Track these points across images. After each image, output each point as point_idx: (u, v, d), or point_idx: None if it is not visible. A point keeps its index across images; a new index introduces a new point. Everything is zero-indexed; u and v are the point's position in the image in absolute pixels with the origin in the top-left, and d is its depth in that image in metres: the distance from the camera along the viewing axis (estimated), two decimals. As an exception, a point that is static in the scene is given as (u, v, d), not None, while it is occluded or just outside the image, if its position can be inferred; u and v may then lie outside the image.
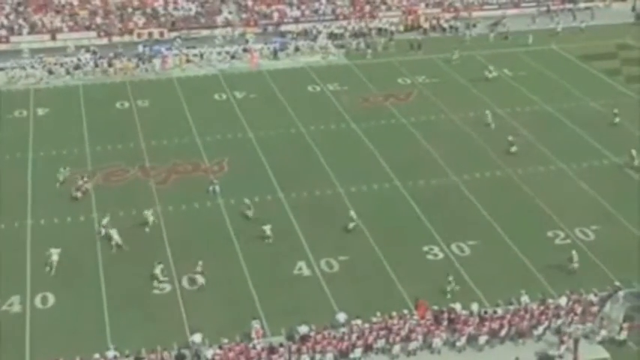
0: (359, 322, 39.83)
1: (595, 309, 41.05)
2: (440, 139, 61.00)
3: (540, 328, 40.25)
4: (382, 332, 39.29)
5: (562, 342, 39.14)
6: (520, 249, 47.55)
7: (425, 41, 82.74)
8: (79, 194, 52.24)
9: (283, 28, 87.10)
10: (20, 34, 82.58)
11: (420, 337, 39.46)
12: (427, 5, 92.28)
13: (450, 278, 43.08)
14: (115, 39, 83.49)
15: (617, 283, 42.99)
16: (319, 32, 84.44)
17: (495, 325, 39.85)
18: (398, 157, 57.91)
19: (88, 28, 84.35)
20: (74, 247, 47.37)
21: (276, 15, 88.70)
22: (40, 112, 66.21)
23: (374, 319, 39.88)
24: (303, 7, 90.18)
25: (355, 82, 72.75)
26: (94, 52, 77.73)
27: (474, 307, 41.17)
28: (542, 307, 40.87)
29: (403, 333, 39.39)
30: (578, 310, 40.75)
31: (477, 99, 68.44)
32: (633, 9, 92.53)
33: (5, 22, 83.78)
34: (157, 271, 44.56)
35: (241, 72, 75.61)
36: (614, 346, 39.84)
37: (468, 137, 61.29)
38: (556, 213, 51.08)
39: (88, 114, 65.49)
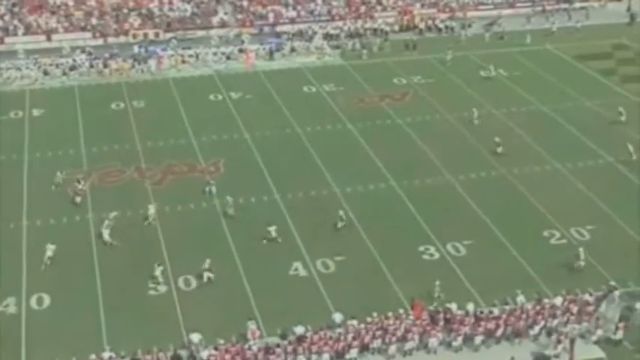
0: (355, 322, 39.85)
1: (591, 309, 41.10)
2: (435, 139, 61.05)
3: (536, 328, 40.27)
4: (378, 332, 39.32)
5: (558, 342, 39.18)
6: (516, 249, 47.60)
7: (420, 41, 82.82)
8: (78, 199, 52.02)
9: (279, 28, 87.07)
10: (15, 34, 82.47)
11: (416, 337, 39.47)
12: (423, 5, 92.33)
13: (437, 283, 42.98)
14: (111, 40, 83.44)
15: (613, 283, 43.09)
16: (315, 33, 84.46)
17: (491, 325, 39.88)
18: (393, 158, 57.94)
19: (83, 29, 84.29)
20: (70, 247, 47.30)
21: (271, 16, 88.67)
22: (36, 113, 66.16)
23: (368, 320, 39.88)
24: (298, 7, 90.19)
25: (351, 83, 72.79)
26: (90, 53, 77.69)
27: (470, 307, 41.20)
28: (538, 307, 40.93)
29: (399, 333, 39.42)
30: (574, 309, 40.80)
31: (473, 99, 68.47)
32: (628, 9, 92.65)
33: (0, 22, 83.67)
34: (157, 272, 44.54)
35: (237, 72, 75.62)
36: (610, 345, 39.87)
37: (463, 137, 61.34)
38: (552, 213, 51.14)
39: (83, 115, 65.42)
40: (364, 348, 39.17)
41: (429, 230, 49.49)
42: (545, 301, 41.52)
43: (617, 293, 42.43)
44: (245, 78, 74.27)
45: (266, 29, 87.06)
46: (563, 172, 56.62)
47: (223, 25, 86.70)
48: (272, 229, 48.07)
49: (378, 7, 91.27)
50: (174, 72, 75.35)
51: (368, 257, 46.94)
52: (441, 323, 40.12)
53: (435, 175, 55.98)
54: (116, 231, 48.37)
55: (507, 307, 41.30)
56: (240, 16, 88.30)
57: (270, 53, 78.97)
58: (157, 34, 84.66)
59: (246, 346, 38.52)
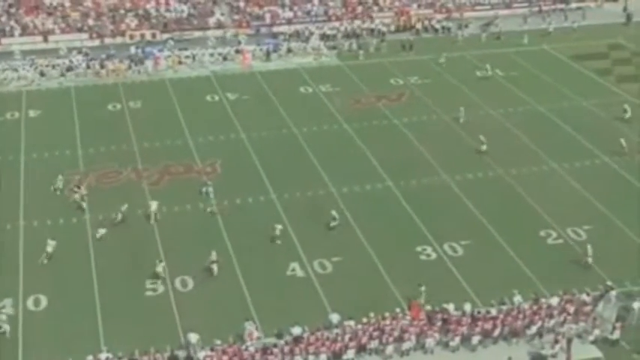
0: (352, 323, 39.87)
1: (588, 309, 41.15)
2: (432, 139, 61.07)
3: (533, 328, 40.32)
4: (375, 333, 39.34)
5: (556, 341, 39.23)
6: (512, 249, 47.65)
7: (417, 42, 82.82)
8: (84, 204, 51.91)
9: (275, 29, 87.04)
10: (12, 35, 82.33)
11: (413, 338, 39.52)
12: (419, 6, 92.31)
13: (422, 289, 42.83)
14: (107, 40, 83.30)
15: (609, 283, 43.15)
16: (311, 33, 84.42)
17: (488, 326, 39.92)
18: (390, 158, 57.96)
19: (80, 30, 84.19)
20: (67, 248, 47.29)
21: (268, 16, 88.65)
22: (32, 113, 66.07)
23: (364, 320, 39.92)
24: (295, 8, 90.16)
25: (347, 83, 72.78)
26: (86, 54, 77.60)
27: (467, 307, 41.22)
28: (534, 307, 40.98)
29: (396, 333, 39.44)
30: (571, 309, 40.85)
31: (469, 99, 68.51)
32: (624, 9, 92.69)
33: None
34: (159, 269, 44.72)
35: (234, 73, 75.57)
36: (607, 345, 39.95)
37: (460, 138, 61.33)
38: (548, 213, 51.21)
39: (80, 116, 65.36)
40: (361, 348, 39.21)
41: (426, 230, 49.52)
42: (542, 301, 41.57)
43: (613, 293, 42.50)
44: (242, 79, 74.24)
45: (263, 30, 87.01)
46: (559, 172, 56.68)
47: (220, 25, 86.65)
48: (278, 227, 48.14)
49: (375, 8, 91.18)
50: (170, 73, 75.31)
51: (365, 258, 46.97)
52: (439, 324, 40.15)
53: (431, 176, 56.01)
54: (114, 232, 48.40)
55: (504, 307, 41.31)
56: (236, 17, 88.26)
57: (267, 54, 78.95)
58: (153, 35, 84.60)
59: (244, 347, 38.55)
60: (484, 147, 59.14)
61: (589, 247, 46.31)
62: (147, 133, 62.12)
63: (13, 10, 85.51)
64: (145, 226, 49.75)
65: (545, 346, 39.79)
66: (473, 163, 57.47)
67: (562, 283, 43.45)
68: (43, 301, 43.08)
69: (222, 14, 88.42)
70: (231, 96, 69.94)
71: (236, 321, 40.54)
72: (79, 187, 52.92)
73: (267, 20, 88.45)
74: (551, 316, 40.66)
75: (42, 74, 73.63)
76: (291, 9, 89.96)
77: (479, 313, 40.75)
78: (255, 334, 39.61)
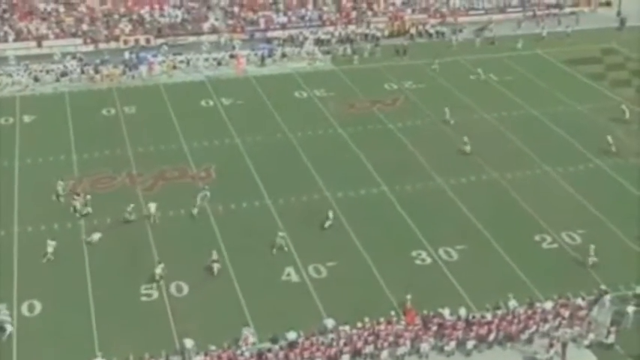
0: (347, 327, 39.85)
1: (583, 313, 41.19)
2: (426, 144, 61.12)
3: (528, 333, 40.32)
4: (370, 338, 39.32)
5: (550, 346, 39.25)
6: (507, 253, 47.68)
7: (411, 47, 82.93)
8: (89, 209, 51.83)
9: (270, 34, 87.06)
10: (6, 41, 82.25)
11: (408, 343, 39.50)
12: (413, 11, 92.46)
13: (408, 297, 42.78)
14: (102, 46, 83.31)
15: (604, 287, 43.20)
16: (306, 38, 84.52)
17: (483, 330, 39.93)
18: (385, 162, 57.97)
19: (74, 35, 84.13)
20: (61, 254, 47.19)
21: (262, 21, 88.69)
22: (27, 119, 65.99)
23: (359, 325, 39.89)
24: (289, 13, 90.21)
25: (342, 88, 72.83)
26: (80, 59, 77.58)
27: (462, 312, 41.23)
28: (529, 312, 41.01)
29: (391, 338, 39.43)
30: (566, 314, 40.89)
31: (464, 104, 68.64)
32: (618, 14, 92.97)
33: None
34: (159, 270, 44.77)
35: (228, 78, 75.57)
36: (602, 349, 39.98)
37: (454, 142, 61.34)
38: (543, 217, 51.26)
39: (74, 121, 65.27)
40: (356, 353, 39.17)
41: (421, 235, 49.53)
42: (537, 305, 41.61)
43: (608, 297, 42.54)
44: (236, 83, 74.22)
45: (257, 35, 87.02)
46: (553, 176, 56.77)
47: (214, 31, 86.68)
48: (281, 234, 48.17)
49: (369, 13, 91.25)
50: (165, 78, 75.29)
51: (360, 262, 46.95)
52: (435, 328, 40.14)
53: (426, 180, 56.06)
54: (108, 238, 48.39)
55: (499, 312, 41.32)
56: (230, 22, 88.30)
57: (262, 59, 78.96)
58: (147, 40, 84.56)
59: (239, 352, 38.51)
60: (468, 148, 59.58)
61: (592, 247, 46.56)
62: (141, 138, 62.06)
63: (7, 16, 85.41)
64: (139, 231, 49.67)
65: (540, 350, 39.79)
66: (467, 168, 57.52)
67: (557, 287, 43.49)
68: (38, 306, 42.95)
69: (217, 19, 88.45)
70: (225, 101, 69.93)
71: (231, 326, 40.52)
72: (78, 194, 52.76)
73: (262, 25, 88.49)
74: (545, 321, 40.70)
75: (36, 79, 73.55)
76: (285, 14, 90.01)
77: (474, 317, 40.76)
78: (251, 339, 39.56)
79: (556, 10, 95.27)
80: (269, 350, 38.56)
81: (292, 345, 38.92)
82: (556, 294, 42.52)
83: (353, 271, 46.03)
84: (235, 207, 52.52)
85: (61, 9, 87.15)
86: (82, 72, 74.98)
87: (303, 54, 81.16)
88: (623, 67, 78.29)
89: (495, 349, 40.18)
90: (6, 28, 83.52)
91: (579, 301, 41.88)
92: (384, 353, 39.19)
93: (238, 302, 43.39)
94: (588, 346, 40.21)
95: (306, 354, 38.33)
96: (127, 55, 78.61)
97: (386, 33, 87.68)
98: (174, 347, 39.73)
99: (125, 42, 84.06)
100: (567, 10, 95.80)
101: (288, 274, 45.89)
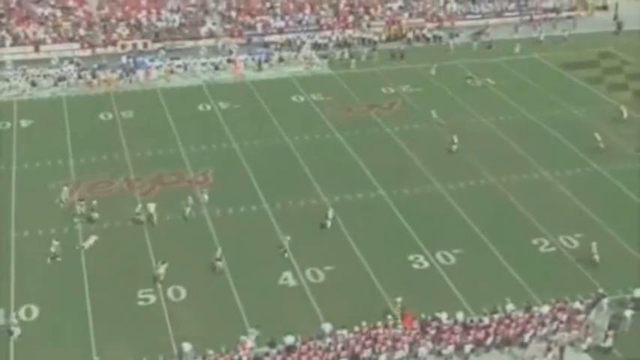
0: (344, 332, 39.83)
1: (581, 317, 41.19)
2: (424, 148, 61.15)
3: (526, 337, 40.33)
4: (368, 342, 39.30)
5: (548, 349, 39.26)
6: (505, 257, 47.70)
7: (408, 51, 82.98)
8: (96, 214, 51.75)
9: (267, 38, 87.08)
10: (3, 45, 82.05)
11: (406, 347, 39.50)
12: (410, 15, 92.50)
13: (398, 300, 42.84)
14: (99, 50, 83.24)
15: (602, 291, 43.22)
16: (303, 42, 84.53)
17: (481, 334, 39.92)
18: (382, 167, 58.00)
19: (71, 40, 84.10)
20: (58, 258, 47.17)
21: (260, 26, 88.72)
22: (24, 123, 65.92)
23: (356, 329, 39.90)
24: (286, 17, 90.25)
25: (339, 92, 72.85)
26: (78, 64, 77.54)
27: (460, 316, 41.22)
28: (527, 315, 41.01)
29: (389, 342, 39.42)
30: (563, 317, 40.90)
31: (461, 108, 68.71)
32: (615, 18, 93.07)
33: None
34: (162, 270, 44.92)
35: (225, 82, 75.57)
36: (600, 353, 39.99)
37: (451, 146, 61.31)
38: (540, 221, 51.30)
39: (71, 126, 65.25)
40: (354, 358, 39.15)
41: (418, 239, 49.55)
42: (535, 309, 41.63)
43: (605, 301, 42.57)
44: (233, 88, 74.23)
45: (254, 39, 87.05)
46: (551, 180, 56.82)
47: (211, 35, 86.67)
48: (288, 238, 48.17)
49: (366, 17, 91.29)
50: (162, 82, 75.28)
51: (357, 266, 46.95)
52: (433, 332, 40.12)
53: (423, 184, 56.09)
54: (105, 243, 48.40)
55: (497, 316, 41.31)
56: (228, 27, 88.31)
57: (259, 63, 78.98)
58: (145, 45, 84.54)
59: (236, 357, 38.49)
60: (455, 147, 59.99)
61: (594, 244, 46.81)
62: (139, 142, 62.03)
63: (4, 20, 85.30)
64: (136, 235, 49.65)
65: (537, 354, 39.79)
66: (465, 172, 57.54)
67: (554, 291, 43.49)
68: (35, 311, 42.90)
69: (214, 24, 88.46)
70: (223, 105, 69.92)
71: (229, 330, 40.52)
72: (82, 200, 52.64)
73: (259, 30, 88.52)
74: (543, 324, 40.71)
75: (33, 84, 73.51)
76: (282, 18, 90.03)
77: (471, 321, 40.76)
78: (249, 343, 39.53)
79: (553, 15, 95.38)
80: (266, 354, 38.53)
81: (290, 349, 38.91)
82: (554, 298, 42.51)
83: (350, 275, 46.03)
84: (233, 211, 52.51)
85: (59, 13, 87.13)
86: (80, 77, 74.92)
87: (300, 58, 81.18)
88: (620, 70, 78.37)
89: (493, 353, 40.18)
90: (3, 32, 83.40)
91: (577, 305, 41.90)
92: (382, 357, 39.16)
93: (236, 306, 43.36)
94: (586, 350, 40.21)
95: (303, 358, 38.31)
96: (124, 59, 78.57)
97: (383, 37, 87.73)
98: (171, 352, 39.71)
99: (122, 46, 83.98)
100: (564, 14, 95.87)
101: (286, 279, 45.87)
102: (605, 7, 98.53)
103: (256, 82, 75.28)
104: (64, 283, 45.32)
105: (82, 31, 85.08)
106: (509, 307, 41.83)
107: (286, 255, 47.71)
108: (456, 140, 60.64)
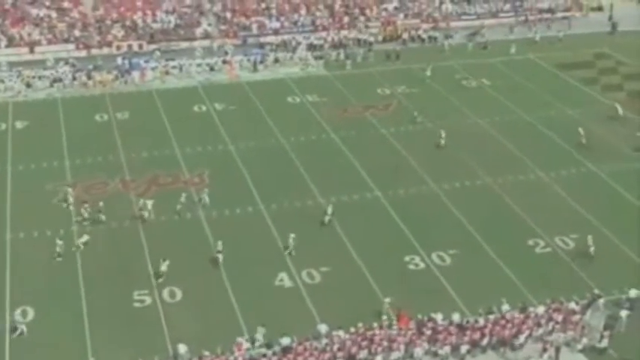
0: (341, 333, 39.83)
1: (577, 317, 41.22)
2: (420, 148, 61.18)
3: (522, 337, 40.35)
4: (364, 343, 39.31)
5: (544, 350, 39.28)
6: (500, 258, 47.73)
7: (404, 52, 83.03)
8: (102, 217, 51.72)
9: (263, 39, 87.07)
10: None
11: (402, 347, 39.50)
12: (406, 16, 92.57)
13: (387, 300, 42.92)
14: (94, 51, 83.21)
15: (597, 291, 43.26)
16: (298, 43, 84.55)
17: (476, 335, 39.94)
18: (378, 167, 58.02)
19: (66, 41, 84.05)
20: (53, 260, 47.13)
21: (255, 27, 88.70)
22: (19, 125, 65.85)
23: (352, 330, 39.90)
24: (282, 18, 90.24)
25: (335, 93, 72.88)
26: (73, 65, 77.50)
27: (456, 316, 41.23)
28: (522, 316, 41.03)
29: (385, 343, 39.42)
30: (559, 318, 40.93)
31: (456, 109, 68.77)
32: (610, 18, 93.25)
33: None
34: (164, 267, 45.05)
35: (221, 84, 75.56)
36: (595, 354, 40.02)
37: (447, 147, 61.41)
38: (536, 222, 51.34)
39: (67, 127, 65.18)
40: (350, 358, 39.14)
41: (414, 240, 49.56)
42: (530, 309, 41.66)
43: (601, 301, 42.61)
44: (229, 89, 74.22)
45: (250, 40, 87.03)
46: (546, 180, 56.87)
47: (207, 36, 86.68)
48: (293, 236, 48.18)
49: (362, 18, 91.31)
50: (158, 83, 75.26)
51: (353, 267, 46.95)
52: (429, 333, 40.12)
53: (419, 185, 56.11)
54: (100, 244, 48.38)
55: (492, 317, 41.32)
56: (223, 28, 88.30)
57: (254, 64, 78.97)
58: (140, 46, 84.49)
59: (232, 359, 38.47)
60: (442, 142, 60.36)
61: (589, 237, 47.24)
62: (134, 144, 61.98)
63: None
64: (132, 237, 49.60)
65: (533, 354, 39.81)
66: (460, 172, 57.57)
67: (550, 291, 43.54)
68: (30, 313, 42.82)
69: (210, 25, 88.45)
70: (218, 106, 69.91)
71: (225, 331, 40.48)
72: (86, 202, 52.47)
73: (255, 30, 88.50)
74: (539, 325, 40.74)
75: (28, 85, 73.44)
76: (278, 19, 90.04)
77: (467, 322, 40.78)
78: (245, 345, 39.51)
79: (548, 15, 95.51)
80: (264, 356, 38.53)
81: (286, 350, 38.89)
82: (549, 298, 42.56)
83: (346, 276, 46.01)
84: (229, 212, 52.49)
85: (54, 15, 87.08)
86: (75, 78, 74.87)
87: (295, 59, 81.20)
88: (615, 71, 78.52)
89: (489, 354, 40.18)
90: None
91: (572, 306, 41.95)
92: (378, 358, 39.14)
93: (232, 308, 43.33)
94: (581, 351, 40.25)
95: (299, 359, 38.29)
96: (119, 60, 78.55)
97: (380, 38, 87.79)
98: (167, 353, 39.67)
99: (118, 48, 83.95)
100: (559, 14, 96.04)
101: (282, 280, 45.86)
102: (599, 8, 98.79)
103: (252, 83, 75.27)
104: (59, 285, 45.26)
105: (77, 33, 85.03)
106: (505, 307, 41.85)
107: (293, 253, 47.75)
108: (443, 135, 61.07)
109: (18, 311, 42.37)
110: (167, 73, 76.84)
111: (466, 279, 45.65)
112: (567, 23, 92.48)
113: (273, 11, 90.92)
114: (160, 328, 41.79)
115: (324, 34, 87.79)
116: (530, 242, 49.49)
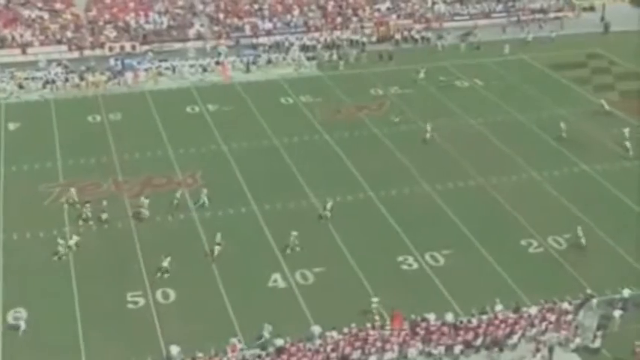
0: (334, 333, 39.82)
1: (570, 317, 41.29)
2: (413, 149, 61.23)
3: (515, 337, 40.39)
4: (357, 343, 39.31)
5: (537, 350, 39.33)
6: (494, 258, 47.79)
7: (396, 52, 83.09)
8: (105, 216, 51.55)
9: (255, 40, 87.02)
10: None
11: (396, 348, 39.52)
12: (398, 16, 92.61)
13: (375, 299, 42.83)
14: (87, 53, 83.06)
15: (590, 291, 43.33)
16: (291, 44, 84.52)
17: (469, 336, 39.97)
18: (371, 168, 58.03)
19: (59, 42, 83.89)
20: (47, 261, 47.04)
21: (248, 28, 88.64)
22: (12, 126, 65.69)
23: (345, 330, 39.90)
24: (274, 19, 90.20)
25: (328, 94, 72.89)
26: (66, 66, 77.35)
27: (449, 317, 41.26)
28: (516, 316, 41.07)
29: (379, 344, 39.43)
30: (552, 318, 40.98)
31: (449, 109, 68.82)
32: (602, 19, 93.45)
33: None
34: (165, 264, 45.28)
35: (214, 85, 75.51)
36: (588, 353, 40.08)
37: (440, 147, 61.49)
38: (529, 222, 51.40)
39: (59, 128, 65.03)
40: (343, 359, 39.13)
41: (408, 240, 49.58)
42: (524, 309, 41.71)
43: (594, 301, 42.69)
44: (222, 90, 74.17)
45: (242, 41, 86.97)
46: (539, 180, 56.96)
47: (200, 37, 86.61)
48: (294, 234, 48.20)
49: (354, 19, 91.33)
50: (151, 84, 75.15)
51: (346, 268, 46.95)
52: (423, 333, 40.15)
53: (412, 185, 56.13)
54: (94, 245, 48.30)
55: (485, 317, 41.36)
56: (216, 29, 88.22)
57: (247, 65, 78.94)
58: (133, 47, 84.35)
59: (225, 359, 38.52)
60: (428, 135, 61.24)
61: (579, 228, 47.82)
62: (127, 145, 61.89)
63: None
64: (126, 239, 49.53)
65: (526, 354, 39.85)
66: (453, 173, 57.62)
67: (543, 291, 43.56)
68: (24, 314, 42.57)
69: (202, 26, 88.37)
70: (211, 107, 69.85)
71: (218, 333, 40.45)
72: (88, 202, 52.36)
73: (247, 32, 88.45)
74: (532, 325, 40.78)
75: (21, 87, 73.29)
76: (270, 20, 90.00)
77: (461, 322, 40.81)
78: (238, 346, 39.50)
79: (541, 15, 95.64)
80: (258, 357, 38.50)
81: (279, 351, 38.87)
82: (542, 298, 42.60)
83: (340, 277, 46.02)
84: (222, 213, 52.45)
85: (46, 16, 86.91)
86: (67, 79, 74.73)
87: (288, 60, 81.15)
88: (607, 71, 78.67)
89: (482, 354, 40.21)
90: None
91: (565, 306, 41.99)
92: (372, 358, 39.16)
93: (225, 309, 43.30)
94: (575, 351, 40.30)
95: (293, 360, 38.36)
96: (112, 62, 78.45)
97: (373, 39, 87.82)
98: (161, 354, 39.62)
99: (110, 49, 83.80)
100: (552, 15, 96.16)
101: (275, 281, 45.84)
102: (591, 8, 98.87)
103: (245, 84, 75.24)
104: (52, 286, 45.17)
105: (69, 34, 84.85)
106: (498, 307, 41.89)
107: (297, 249, 47.81)
108: (429, 129, 61.71)
109: (17, 310, 42.34)
110: (160, 74, 76.73)
111: (459, 279, 45.69)
112: (560, 23, 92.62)
113: (266, 12, 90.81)
114: (154, 329, 41.73)
115: (316, 34, 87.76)
116: (524, 242, 49.54)
